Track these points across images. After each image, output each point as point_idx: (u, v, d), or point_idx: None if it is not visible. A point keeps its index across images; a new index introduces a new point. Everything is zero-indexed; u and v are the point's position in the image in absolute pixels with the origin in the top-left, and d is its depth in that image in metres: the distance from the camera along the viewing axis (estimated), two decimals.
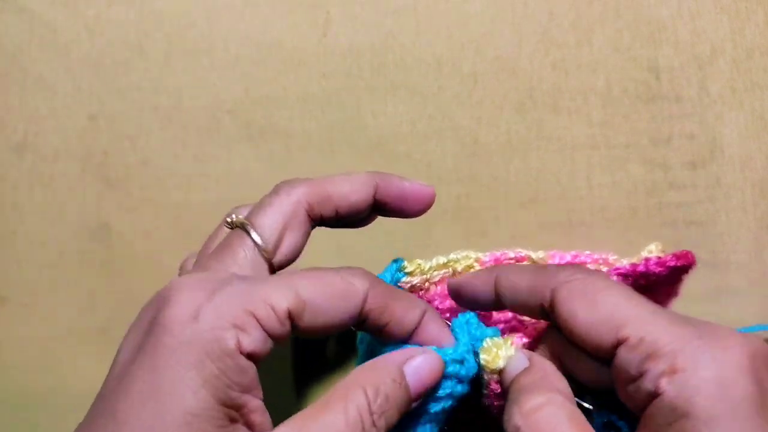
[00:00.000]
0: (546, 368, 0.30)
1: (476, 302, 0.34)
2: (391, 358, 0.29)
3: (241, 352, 0.26)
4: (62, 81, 0.49)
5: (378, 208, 0.34)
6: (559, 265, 0.32)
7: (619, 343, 0.27)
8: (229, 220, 0.32)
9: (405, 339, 0.31)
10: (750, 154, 0.45)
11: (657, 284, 0.37)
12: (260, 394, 0.27)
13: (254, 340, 0.26)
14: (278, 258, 0.31)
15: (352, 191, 0.32)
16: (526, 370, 0.30)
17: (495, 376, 0.31)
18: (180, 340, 0.25)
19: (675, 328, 0.27)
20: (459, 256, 0.36)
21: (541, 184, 0.46)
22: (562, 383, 0.30)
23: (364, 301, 0.29)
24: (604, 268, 0.36)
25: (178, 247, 0.48)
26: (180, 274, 0.35)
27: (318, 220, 0.32)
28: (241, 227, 0.31)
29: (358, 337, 0.37)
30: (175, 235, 0.48)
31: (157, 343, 0.25)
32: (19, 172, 0.49)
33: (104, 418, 0.25)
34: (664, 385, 0.26)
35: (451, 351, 0.31)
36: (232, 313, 0.26)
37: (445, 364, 0.30)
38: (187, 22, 0.49)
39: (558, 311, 0.29)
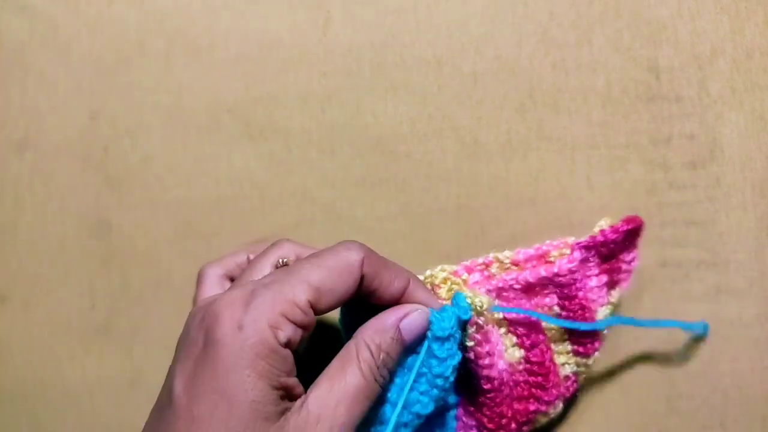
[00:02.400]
0: None
1: None
2: (389, 318, 0.35)
3: (280, 345, 0.32)
4: (63, 78, 0.49)
5: None
6: None
7: None
8: (281, 261, 0.38)
9: (393, 303, 0.36)
10: (750, 154, 0.45)
11: (616, 252, 0.41)
12: (295, 371, 0.33)
13: (287, 333, 0.32)
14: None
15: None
16: None
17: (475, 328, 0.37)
18: (232, 349, 0.31)
19: None
20: (434, 272, 0.40)
21: (541, 184, 0.46)
22: None
23: (361, 269, 0.34)
24: (566, 250, 0.40)
25: (178, 245, 0.48)
26: (198, 282, 0.41)
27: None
28: None
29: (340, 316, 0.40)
30: (175, 233, 0.48)
31: (216, 356, 0.31)
32: (19, 170, 0.49)
33: (182, 422, 0.31)
34: None
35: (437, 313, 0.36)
36: (266, 317, 0.32)
37: (432, 321, 0.36)
38: (188, 21, 0.49)
39: None
